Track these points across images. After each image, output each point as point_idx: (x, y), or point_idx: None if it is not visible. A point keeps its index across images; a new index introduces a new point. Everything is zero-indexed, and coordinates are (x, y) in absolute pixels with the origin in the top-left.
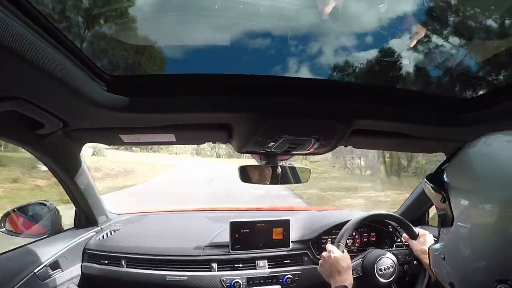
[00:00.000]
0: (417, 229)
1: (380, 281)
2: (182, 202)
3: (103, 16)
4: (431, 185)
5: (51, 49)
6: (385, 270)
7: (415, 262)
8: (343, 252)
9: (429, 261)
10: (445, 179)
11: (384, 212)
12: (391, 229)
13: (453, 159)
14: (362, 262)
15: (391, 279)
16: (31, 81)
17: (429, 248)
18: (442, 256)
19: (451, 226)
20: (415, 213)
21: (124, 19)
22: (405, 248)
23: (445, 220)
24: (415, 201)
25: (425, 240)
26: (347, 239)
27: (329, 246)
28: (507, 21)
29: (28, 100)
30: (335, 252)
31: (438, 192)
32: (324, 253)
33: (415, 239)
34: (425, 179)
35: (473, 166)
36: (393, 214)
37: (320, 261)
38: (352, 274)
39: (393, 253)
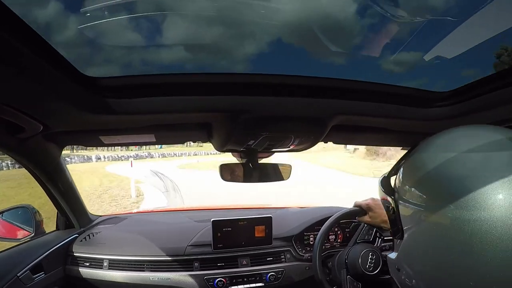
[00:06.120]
0: (360, 203)
1: (368, 275)
2: None
3: (82, 18)
4: (382, 189)
5: (29, 52)
6: (370, 263)
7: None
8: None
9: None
10: (394, 185)
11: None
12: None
13: (402, 162)
14: (346, 260)
15: (377, 270)
16: (9, 84)
17: (386, 256)
18: (397, 267)
19: (401, 239)
20: None
21: (103, 20)
22: (383, 236)
23: (396, 231)
24: None
25: (374, 211)
26: (329, 235)
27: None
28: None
29: (7, 104)
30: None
31: (387, 198)
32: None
33: (366, 216)
34: (378, 181)
35: (419, 174)
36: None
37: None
38: (340, 272)
39: (375, 244)
